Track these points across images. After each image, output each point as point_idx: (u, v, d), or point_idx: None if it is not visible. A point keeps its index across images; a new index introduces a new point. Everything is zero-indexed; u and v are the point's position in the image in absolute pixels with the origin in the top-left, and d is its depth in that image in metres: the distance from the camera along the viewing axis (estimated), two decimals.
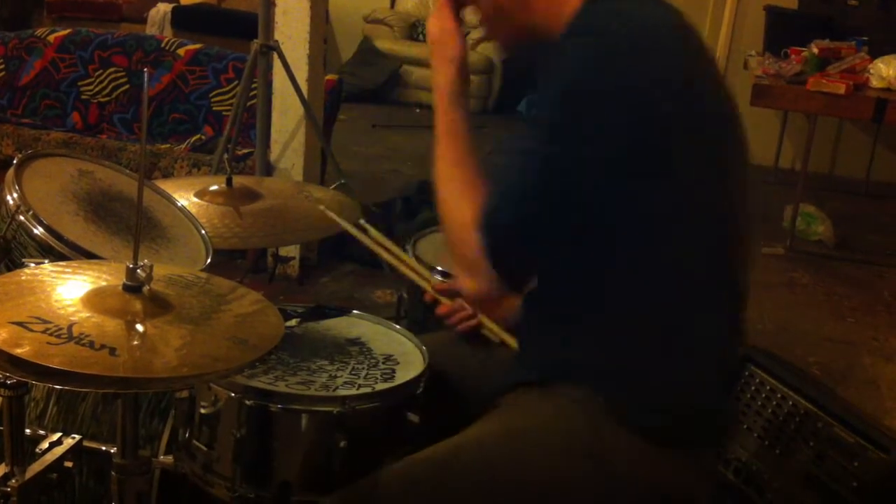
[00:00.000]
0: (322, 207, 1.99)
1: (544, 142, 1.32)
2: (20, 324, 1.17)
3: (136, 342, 1.21)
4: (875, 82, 4.74)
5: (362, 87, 7.50)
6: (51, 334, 1.16)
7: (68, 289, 1.30)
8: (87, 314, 1.23)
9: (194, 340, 1.24)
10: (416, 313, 2.18)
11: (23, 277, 1.33)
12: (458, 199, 1.44)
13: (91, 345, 1.16)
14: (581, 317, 1.41)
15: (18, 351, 1.12)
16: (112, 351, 1.16)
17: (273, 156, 3.81)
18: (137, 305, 1.27)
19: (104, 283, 1.32)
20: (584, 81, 1.30)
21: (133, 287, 1.28)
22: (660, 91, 1.30)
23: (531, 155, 1.33)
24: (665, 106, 1.30)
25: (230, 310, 1.36)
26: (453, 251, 1.44)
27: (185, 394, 1.54)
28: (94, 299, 1.27)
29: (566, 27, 1.40)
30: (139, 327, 1.24)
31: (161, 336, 1.23)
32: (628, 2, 1.39)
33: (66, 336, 1.17)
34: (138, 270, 1.27)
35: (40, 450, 1.46)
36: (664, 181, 1.32)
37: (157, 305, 1.29)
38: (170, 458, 1.61)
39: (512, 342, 1.66)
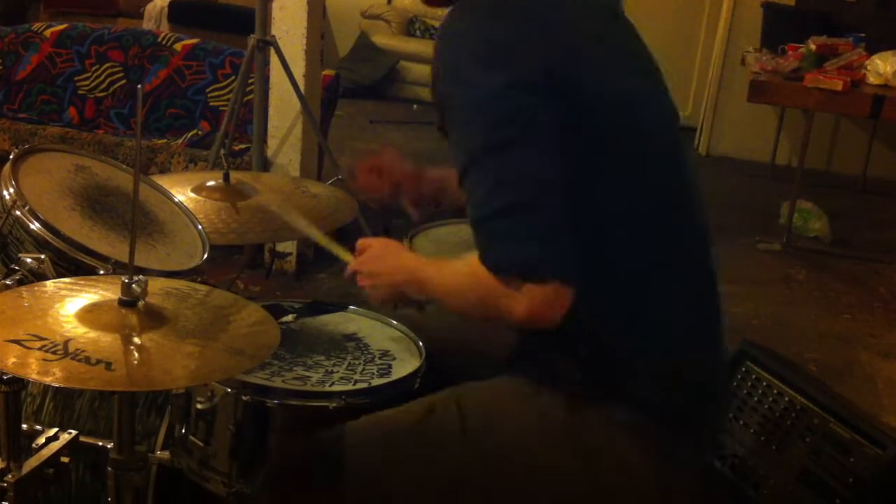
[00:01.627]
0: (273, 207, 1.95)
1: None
2: (17, 342, 1.18)
3: (131, 356, 1.21)
4: (872, 79, 4.74)
5: (359, 82, 7.50)
6: (47, 351, 1.17)
7: (64, 304, 1.31)
8: (84, 330, 1.24)
9: (191, 353, 1.25)
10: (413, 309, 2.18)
11: (22, 295, 1.33)
12: (454, 275, 1.41)
13: (87, 360, 1.17)
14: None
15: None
16: (108, 365, 1.17)
17: (270, 151, 3.81)
18: (133, 319, 1.27)
19: (100, 298, 1.32)
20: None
21: (128, 302, 1.28)
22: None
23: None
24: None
25: (227, 321, 1.37)
26: (487, 307, 1.35)
27: (181, 390, 1.54)
28: (90, 315, 1.28)
29: None
30: (135, 341, 1.24)
31: (157, 349, 1.24)
32: None
33: (62, 352, 1.17)
34: (133, 285, 1.28)
35: (37, 445, 1.46)
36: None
37: (153, 319, 1.29)
38: (166, 454, 1.62)
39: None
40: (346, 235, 1.90)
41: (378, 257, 1.57)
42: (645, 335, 1.39)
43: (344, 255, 1.66)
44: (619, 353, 1.37)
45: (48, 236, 1.56)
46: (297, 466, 1.45)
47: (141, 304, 1.29)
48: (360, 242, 1.61)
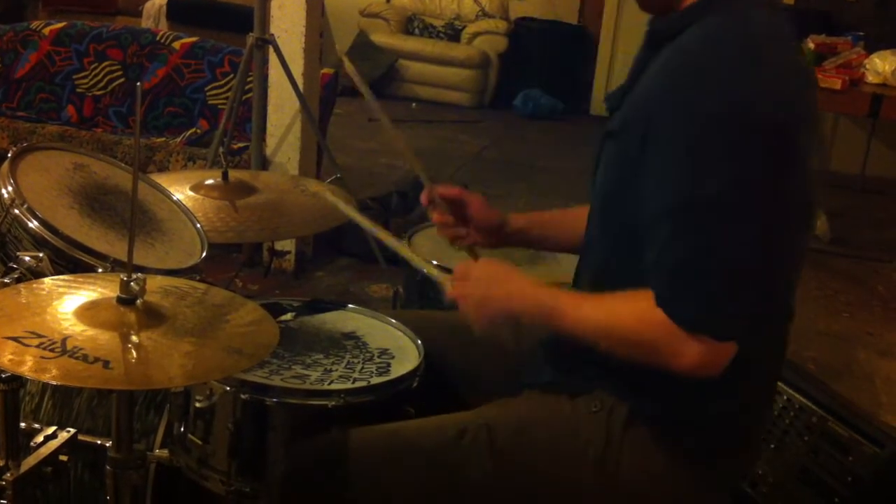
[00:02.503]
0: (332, 198, 1.85)
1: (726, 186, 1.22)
2: (15, 339, 1.18)
3: (129, 354, 1.21)
4: (871, 78, 4.74)
5: None
6: (45, 349, 1.17)
7: (63, 302, 1.30)
8: (82, 328, 1.24)
9: (189, 351, 1.24)
10: (412, 307, 2.18)
11: (20, 293, 1.33)
12: (614, 311, 1.33)
13: (84, 358, 1.17)
14: None
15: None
16: (106, 364, 1.16)
17: (269, 150, 3.80)
18: (131, 318, 1.27)
19: (98, 296, 1.32)
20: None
21: (127, 300, 1.28)
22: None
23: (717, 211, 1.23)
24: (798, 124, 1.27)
25: (225, 320, 1.37)
26: (646, 352, 1.30)
27: (180, 388, 1.54)
28: (88, 313, 1.28)
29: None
30: (133, 339, 1.24)
31: (155, 348, 1.24)
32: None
33: (59, 350, 1.17)
34: (132, 283, 1.27)
35: (35, 443, 1.45)
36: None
37: (151, 317, 1.29)
38: (165, 452, 1.61)
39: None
40: (347, 233, 1.90)
41: (490, 279, 1.44)
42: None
43: (437, 273, 1.52)
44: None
45: (47, 234, 1.55)
46: (302, 470, 1.44)
47: (139, 302, 1.28)
48: (460, 266, 1.48)
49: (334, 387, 1.54)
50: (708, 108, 1.22)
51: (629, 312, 1.30)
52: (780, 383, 1.98)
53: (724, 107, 1.22)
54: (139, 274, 1.29)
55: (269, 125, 3.78)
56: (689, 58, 1.27)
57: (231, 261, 3.69)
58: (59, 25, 4.52)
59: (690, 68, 1.26)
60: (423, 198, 1.71)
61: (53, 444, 1.46)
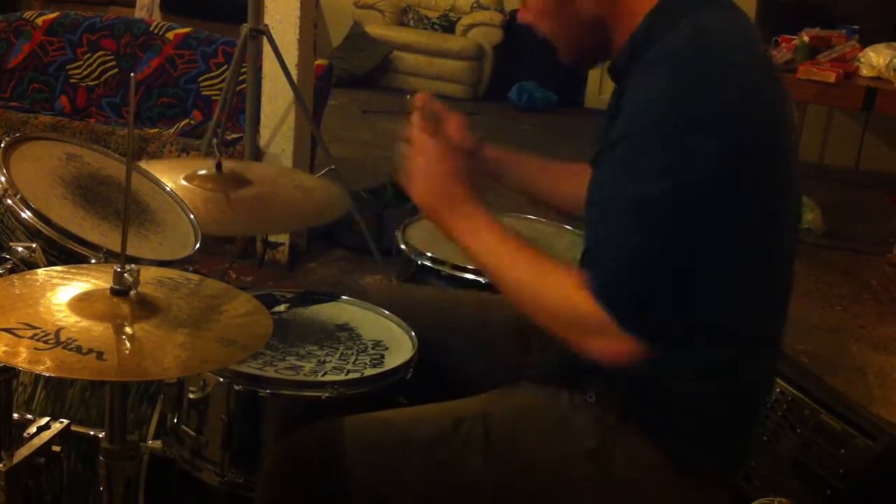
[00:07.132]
0: None
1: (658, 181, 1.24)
2: (8, 330, 1.18)
3: (123, 346, 1.21)
4: (865, 71, 4.74)
5: (353, 72, 7.48)
6: (38, 340, 1.17)
7: (56, 293, 1.30)
8: (75, 319, 1.23)
9: (183, 343, 1.24)
10: None
11: (14, 283, 1.33)
12: (542, 280, 1.33)
13: (78, 349, 1.16)
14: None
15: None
16: (99, 355, 1.16)
17: (262, 141, 3.80)
18: (125, 309, 1.27)
19: (92, 287, 1.32)
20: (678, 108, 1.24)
21: (120, 291, 1.28)
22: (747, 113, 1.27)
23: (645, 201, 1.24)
24: (753, 128, 1.27)
25: (219, 311, 1.36)
26: (564, 327, 1.32)
27: (173, 379, 1.54)
28: (82, 304, 1.27)
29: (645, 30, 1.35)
30: (127, 331, 1.24)
31: (149, 339, 1.23)
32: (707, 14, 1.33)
33: (53, 341, 1.17)
34: (125, 275, 1.27)
35: (28, 434, 1.45)
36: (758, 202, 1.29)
37: (145, 308, 1.28)
38: (158, 443, 1.61)
39: None
40: (341, 225, 1.89)
41: (431, 171, 1.44)
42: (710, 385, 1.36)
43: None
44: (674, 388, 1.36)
45: (39, 225, 1.55)
46: (294, 458, 1.44)
47: (133, 293, 1.28)
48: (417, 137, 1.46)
49: (328, 378, 1.54)
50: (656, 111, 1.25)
51: (553, 276, 1.32)
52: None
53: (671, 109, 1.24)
54: (133, 265, 1.29)
55: (262, 116, 3.77)
56: (658, 72, 1.29)
57: (225, 252, 3.68)
58: (53, 15, 4.50)
59: (655, 87, 1.27)
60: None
61: (46, 435, 1.46)
